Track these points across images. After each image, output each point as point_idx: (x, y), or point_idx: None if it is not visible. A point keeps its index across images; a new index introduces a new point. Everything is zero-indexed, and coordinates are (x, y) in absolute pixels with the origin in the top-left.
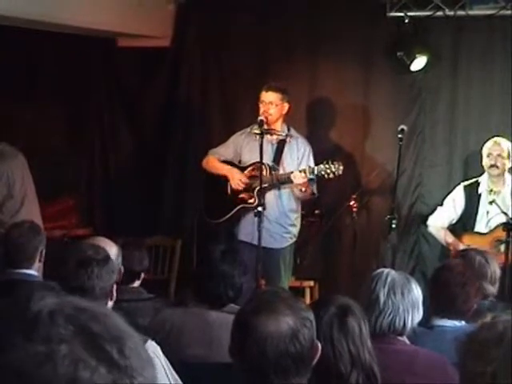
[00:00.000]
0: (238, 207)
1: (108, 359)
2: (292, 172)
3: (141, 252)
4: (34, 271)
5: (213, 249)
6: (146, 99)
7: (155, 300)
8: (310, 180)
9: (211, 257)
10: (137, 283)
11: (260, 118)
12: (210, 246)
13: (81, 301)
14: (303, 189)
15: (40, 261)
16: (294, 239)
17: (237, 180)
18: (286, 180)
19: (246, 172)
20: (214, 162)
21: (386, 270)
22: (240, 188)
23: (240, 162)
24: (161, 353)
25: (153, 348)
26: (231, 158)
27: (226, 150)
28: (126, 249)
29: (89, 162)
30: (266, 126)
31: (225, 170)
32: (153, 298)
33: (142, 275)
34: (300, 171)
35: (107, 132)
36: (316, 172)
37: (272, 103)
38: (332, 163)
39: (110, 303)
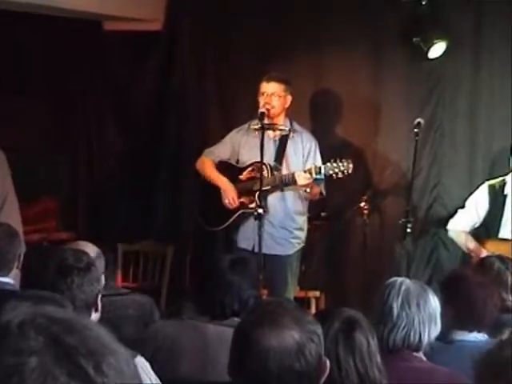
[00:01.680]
0: (238, 213)
1: (82, 375)
2: (296, 172)
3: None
4: (10, 279)
5: (221, 258)
6: (136, 91)
7: (135, 294)
8: (318, 180)
9: (219, 265)
10: (94, 316)
11: (261, 110)
12: (218, 256)
13: (58, 311)
14: (308, 189)
15: (17, 267)
16: (302, 244)
17: (229, 198)
18: (290, 181)
19: (244, 173)
20: (208, 168)
21: (400, 279)
22: (230, 208)
23: (238, 161)
24: (151, 370)
25: (142, 364)
26: (228, 157)
27: (223, 149)
28: None
29: (72, 160)
30: (266, 121)
31: (219, 182)
32: (132, 292)
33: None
34: (305, 171)
35: (92, 127)
36: (323, 171)
37: (274, 95)
38: (341, 161)
39: (96, 315)
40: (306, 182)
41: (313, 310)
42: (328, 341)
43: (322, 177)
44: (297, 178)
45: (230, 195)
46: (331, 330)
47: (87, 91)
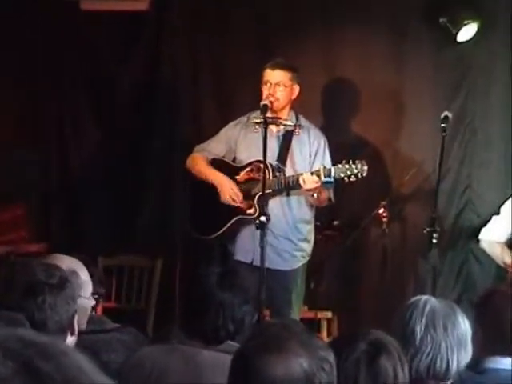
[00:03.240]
0: (234, 219)
1: None
2: (302, 174)
3: (96, 270)
4: None
5: (208, 272)
6: (119, 81)
7: (124, 331)
8: (326, 183)
9: (206, 282)
10: (71, 339)
11: (264, 102)
12: (204, 269)
13: (31, 333)
14: (315, 194)
15: None
16: (307, 258)
17: (227, 192)
18: (295, 184)
19: (242, 174)
20: (199, 164)
21: (424, 298)
22: (231, 203)
23: (235, 160)
24: None
25: None
26: (223, 155)
27: (217, 145)
28: None
29: (43, 161)
30: (269, 114)
31: (212, 176)
32: (120, 327)
33: (76, 329)
34: (312, 173)
35: (68, 122)
36: (333, 174)
37: (279, 84)
38: (354, 163)
39: (71, 339)
40: (314, 185)
41: (324, 333)
42: (348, 365)
43: (332, 180)
44: (302, 181)
45: (228, 189)
46: (353, 352)
47: (61, 80)
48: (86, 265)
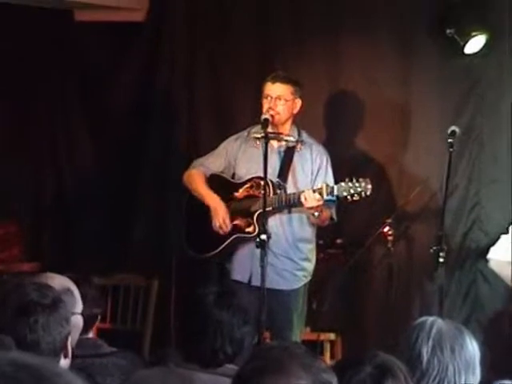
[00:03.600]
0: (232, 237)
1: None
2: (303, 191)
3: (87, 291)
4: None
5: (205, 291)
6: (113, 93)
7: (120, 355)
8: (329, 201)
9: (203, 301)
10: (64, 362)
11: (265, 116)
12: (201, 288)
13: (24, 356)
14: (316, 213)
15: None
16: (309, 278)
17: (220, 220)
18: (296, 202)
19: (241, 190)
20: (196, 182)
21: (430, 319)
22: (221, 233)
23: (234, 176)
24: None
25: None
26: (222, 170)
27: (215, 160)
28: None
29: (36, 176)
30: (270, 128)
31: (207, 198)
32: (117, 352)
33: (70, 352)
34: (314, 191)
35: (61, 135)
36: (336, 192)
37: (280, 98)
38: (357, 181)
39: (65, 361)
40: (315, 203)
41: (327, 355)
42: None
43: (334, 198)
44: (304, 199)
45: (220, 216)
46: (358, 375)
47: (54, 93)
48: (79, 284)
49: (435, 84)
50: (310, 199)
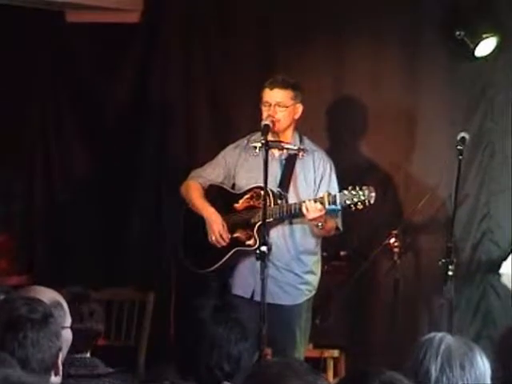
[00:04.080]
0: (232, 251)
1: None
2: (304, 202)
3: (90, 307)
4: None
5: (200, 305)
6: (107, 97)
7: (116, 376)
8: (332, 211)
9: (199, 316)
10: (55, 380)
11: (265, 122)
12: (197, 302)
13: (18, 374)
14: (319, 224)
15: None
16: (314, 292)
17: (216, 234)
18: (298, 212)
19: (241, 201)
20: (193, 195)
21: (439, 335)
22: (218, 246)
23: (233, 186)
24: None
25: None
26: (221, 181)
27: (214, 170)
28: (69, 303)
29: (26, 184)
30: (271, 136)
31: (204, 211)
32: (113, 373)
33: (60, 370)
34: (315, 200)
35: (52, 142)
36: (339, 201)
37: (280, 105)
38: (360, 189)
39: (56, 379)
40: (317, 214)
41: (330, 373)
42: None
43: (338, 207)
44: (305, 209)
45: (216, 231)
46: None
47: (45, 97)
48: (79, 300)
49: (443, 88)
50: (312, 210)
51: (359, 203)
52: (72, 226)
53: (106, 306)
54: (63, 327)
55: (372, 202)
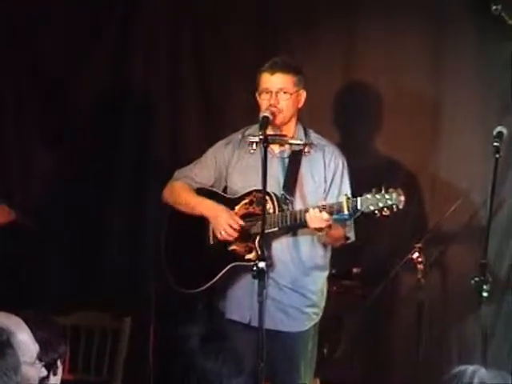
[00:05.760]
0: (228, 267)
1: None
2: (307, 210)
3: (48, 334)
4: None
5: (186, 333)
6: (75, 85)
7: None
8: (339, 220)
9: (184, 347)
10: (54, 379)
11: (264, 113)
12: (182, 329)
13: None
14: (321, 233)
15: None
16: (321, 315)
17: (224, 224)
18: (304, 220)
19: (237, 208)
20: (183, 193)
21: (471, 368)
22: (230, 238)
23: (226, 190)
24: None
25: None
26: (211, 183)
27: (203, 171)
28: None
29: None
30: (270, 129)
31: (202, 206)
32: None
33: (60, 370)
34: (323, 208)
35: (9, 140)
36: (361, 207)
37: (281, 92)
38: (387, 192)
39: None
40: (322, 224)
41: None
42: None
43: (346, 216)
44: (308, 219)
45: (223, 220)
46: None
47: (4, 89)
48: (36, 324)
49: (475, 73)
50: (314, 218)
51: (385, 209)
52: (32, 238)
53: (72, 333)
54: (24, 362)
55: (401, 207)
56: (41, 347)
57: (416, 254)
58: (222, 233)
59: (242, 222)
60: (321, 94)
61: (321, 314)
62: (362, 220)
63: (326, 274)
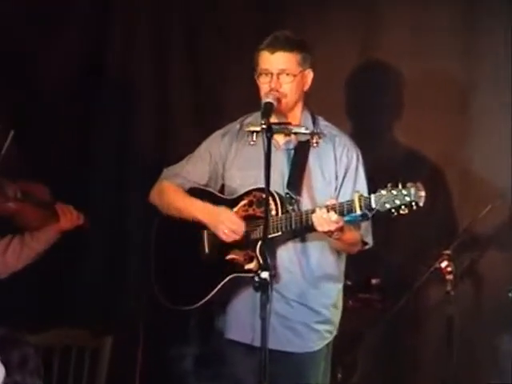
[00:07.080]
0: (226, 279)
1: None
2: (314, 210)
3: (20, 354)
4: None
5: (179, 355)
6: (46, 70)
7: None
8: (351, 221)
9: (176, 370)
10: None
11: (267, 99)
12: (174, 350)
13: None
14: (333, 237)
15: None
16: (335, 333)
17: (225, 224)
18: (310, 223)
19: (236, 209)
20: (173, 195)
21: None
22: (237, 237)
23: (223, 188)
24: None
25: None
26: (205, 182)
27: (196, 168)
28: None
29: None
30: (274, 117)
31: (196, 208)
32: None
33: None
34: (331, 207)
35: None
36: (375, 205)
37: (284, 72)
38: (404, 187)
39: None
40: (332, 227)
41: None
42: None
43: (357, 217)
44: (314, 220)
45: (224, 221)
46: None
47: None
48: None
49: (510, 55)
50: (321, 221)
51: (403, 206)
52: None
53: (46, 353)
54: None
55: (421, 204)
56: (10, 370)
57: (444, 263)
58: (226, 231)
59: (242, 225)
60: (333, 79)
61: (335, 333)
62: (382, 222)
63: (339, 285)
